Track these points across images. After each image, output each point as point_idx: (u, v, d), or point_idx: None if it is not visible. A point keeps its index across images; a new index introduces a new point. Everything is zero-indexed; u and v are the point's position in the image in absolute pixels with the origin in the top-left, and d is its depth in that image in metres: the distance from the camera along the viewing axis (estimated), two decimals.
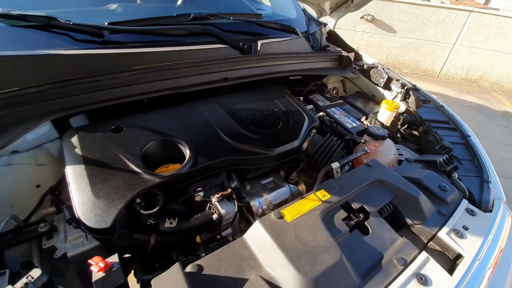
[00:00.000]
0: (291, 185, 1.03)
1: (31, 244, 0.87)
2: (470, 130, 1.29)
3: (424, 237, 0.81)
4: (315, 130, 1.14)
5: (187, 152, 0.90)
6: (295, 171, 1.06)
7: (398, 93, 1.52)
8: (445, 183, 0.95)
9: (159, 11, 1.44)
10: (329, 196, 0.81)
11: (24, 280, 0.52)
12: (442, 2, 5.47)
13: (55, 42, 1.04)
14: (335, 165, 0.95)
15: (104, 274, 0.55)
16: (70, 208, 0.75)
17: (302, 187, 1.09)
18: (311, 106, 1.43)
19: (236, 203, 0.86)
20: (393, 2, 4.96)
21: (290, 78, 1.56)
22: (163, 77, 1.10)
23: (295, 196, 1.02)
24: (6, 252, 0.80)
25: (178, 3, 1.56)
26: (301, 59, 1.50)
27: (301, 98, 1.45)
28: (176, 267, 0.57)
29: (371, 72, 1.65)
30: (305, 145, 1.08)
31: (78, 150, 0.82)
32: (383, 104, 1.39)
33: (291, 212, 0.74)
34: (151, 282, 0.55)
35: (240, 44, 1.33)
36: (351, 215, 0.80)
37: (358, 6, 1.64)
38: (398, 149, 1.23)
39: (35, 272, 0.53)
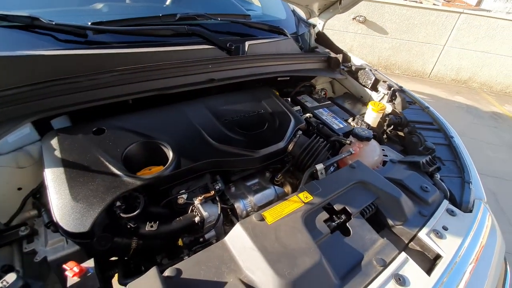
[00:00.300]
0: (276, 187, 1.04)
1: (12, 247, 0.85)
2: (454, 131, 1.31)
3: (405, 237, 0.82)
4: (301, 132, 1.14)
5: (170, 154, 0.89)
6: (280, 172, 1.06)
7: (384, 94, 1.53)
8: (427, 183, 0.96)
9: (146, 11, 1.43)
10: (312, 197, 0.81)
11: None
12: (434, 4, 5.54)
13: (37, 42, 1.03)
14: (320, 166, 0.95)
15: (78, 279, 0.55)
16: (49, 212, 0.74)
17: (287, 188, 1.09)
18: (298, 108, 1.43)
19: (219, 205, 0.86)
20: (385, 4, 5.01)
21: (279, 79, 1.57)
22: (148, 78, 1.09)
23: (280, 197, 1.02)
24: None
25: (166, 3, 1.55)
26: (289, 60, 1.51)
27: (289, 99, 1.45)
28: (153, 271, 0.57)
29: (359, 73, 1.66)
30: (290, 146, 1.09)
31: (57, 153, 0.81)
32: (370, 106, 1.41)
33: (272, 214, 0.74)
34: (127, 287, 0.54)
35: (227, 45, 1.32)
36: (333, 216, 0.81)
37: (346, 8, 1.65)
38: (383, 150, 1.24)
39: (10, 277, 0.52)
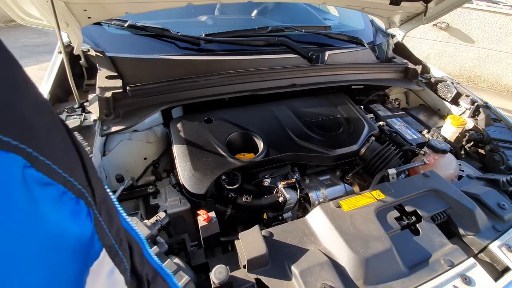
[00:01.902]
0: (346, 185, 1.15)
1: (139, 201, 1.15)
2: None
3: (475, 248, 0.85)
4: (373, 138, 1.23)
5: (261, 145, 1.09)
6: (351, 172, 1.17)
7: (466, 109, 1.49)
8: (505, 201, 0.96)
9: (242, 23, 1.67)
10: (384, 196, 0.91)
11: (154, 218, 0.75)
12: None
13: (163, 47, 1.34)
14: (392, 171, 1.03)
15: (206, 223, 0.76)
16: (176, 176, 0.99)
17: (356, 188, 1.19)
18: (371, 115, 1.50)
19: (298, 191, 1.02)
20: (473, 10, 4.52)
21: (352, 87, 1.65)
22: (244, 81, 1.31)
23: (349, 194, 1.13)
24: (122, 203, 1.09)
25: (253, 14, 1.78)
26: (365, 70, 1.58)
27: (362, 107, 1.53)
28: (256, 228, 0.75)
29: (438, 85, 1.63)
30: (362, 150, 1.18)
31: (182, 134, 1.07)
32: (449, 119, 1.39)
33: (347, 204, 0.87)
34: (239, 235, 0.74)
35: (309, 54, 1.48)
36: (403, 216, 0.89)
37: (431, 19, 1.64)
38: (459, 165, 1.23)
39: (162, 214, 0.76)
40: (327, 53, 1.53)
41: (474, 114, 1.45)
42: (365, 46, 1.68)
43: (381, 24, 1.99)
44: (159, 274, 0.44)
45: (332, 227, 0.79)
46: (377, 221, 0.81)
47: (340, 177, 1.20)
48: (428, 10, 1.58)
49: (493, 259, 0.82)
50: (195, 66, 1.28)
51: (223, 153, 1.01)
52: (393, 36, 1.89)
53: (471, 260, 0.78)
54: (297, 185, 1.03)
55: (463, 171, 1.21)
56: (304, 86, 1.40)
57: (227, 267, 0.64)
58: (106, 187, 0.35)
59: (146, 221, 0.74)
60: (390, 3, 1.46)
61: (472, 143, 1.36)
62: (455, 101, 1.55)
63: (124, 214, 0.38)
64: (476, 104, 1.45)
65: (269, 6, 1.92)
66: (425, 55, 5.12)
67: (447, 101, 1.59)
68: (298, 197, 1.01)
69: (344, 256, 0.73)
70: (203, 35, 1.35)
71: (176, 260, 0.66)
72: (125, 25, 1.32)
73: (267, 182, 1.04)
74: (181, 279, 0.62)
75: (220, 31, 1.38)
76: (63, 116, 1.00)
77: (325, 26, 1.76)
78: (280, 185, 1.01)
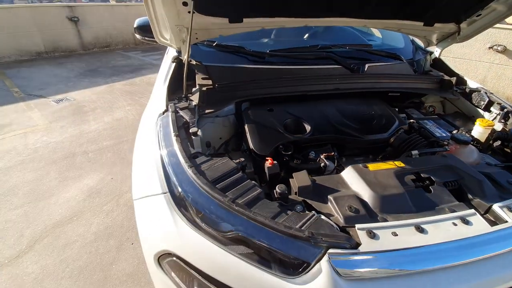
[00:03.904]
0: None
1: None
2: None
3: (481, 209, 1.05)
4: (403, 130, 1.49)
5: (308, 127, 1.45)
6: (381, 154, 1.44)
7: (497, 114, 1.65)
8: None
9: (297, 43, 2.12)
10: (404, 165, 1.18)
11: (237, 160, 1.15)
12: None
13: (239, 59, 1.82)
14: (415, 152, 1.29)
15: (271, 165, 1.14)
16: (246, 144, 1.40)
17: None
18: (403, 115, 1.75)
19: (336, 161, 1.34)
20: None
21: (389, 94, 1.93)
22: (298, 84, 1.71)
23: None
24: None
25: (306, 36, 2.21)
26: (401, 80, 1.86)
27: (396, 109, 1.79)
28: (304, 171, 1.10)
29: (472, 95, 1.82)
30: (392, 139, 1.46)
31: (251, 117, 1.49)
32: (477, 122, 1.57)
33: (373, 166, 1.16)
34: (293, 174, 1.09)
35: (351, 66, 1.83)
36: (418, 180, 1.14)
37: (465, 38, 1.86)
38: (482, 157, 1.41)
39: (242, 159, 1.16)
40: (366, 65, 1.86)
41: (504, 118, 1.61)
42: (402, 61, 1.96)
43: (420, 43, 2.25)
44: None
45: (359, 177, 1.09)
46: (395, 177, 1.09)
47: (371, 160, 1.48)
48: (461, 30, 1.82)
49: (495, 217, 1.01)
50: (261, 72, 1.73)
51: (281, 131, 1.39)
52: (431, 53, 2.14)
53: (472, 211, 0.99)
54: (335, 158, 1.35)
55: (484, 161, 1.38)
56: (346, 90, 1.74)
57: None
58: None
59: (233, 160, 1.15)
60: (424, 25, 1.76)
61: (499, 142, 1.52)
62: (487, 108, 1.72)
63: None
64: (506, 110, 1.61)
65: (320, 29, 2.35)
66: (481, 78, 4.98)
67: (480, 108, 1.76)
68: (336, 166, 1.33)
69: (366, 194, 1.03)
70: (268, 51, 1.82)
71: (253, 182, 1.04)
72: (213, 44, 1.86)
73: (312, 155, 1.39)
74: (255, 190, 0.99)
75: (280, 48, 1.83)
76: (175, 101, 1.51)
77: (366, 44, 2.11)
78: (322, 156, 1.34)
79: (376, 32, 2.71)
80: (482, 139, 1.57)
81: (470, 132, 1.60)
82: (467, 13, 1.65)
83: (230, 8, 1.44)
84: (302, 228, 0.87)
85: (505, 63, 4.70)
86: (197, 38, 1.58)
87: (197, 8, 1.28)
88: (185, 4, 1.29)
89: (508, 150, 1.48)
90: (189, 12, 1.34)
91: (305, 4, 1.43)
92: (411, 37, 2.32)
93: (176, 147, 1.14)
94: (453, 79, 1.87)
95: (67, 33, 8.18)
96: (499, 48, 4.56)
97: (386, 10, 1.57)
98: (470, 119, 1.83)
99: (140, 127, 1.59)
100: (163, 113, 1.42)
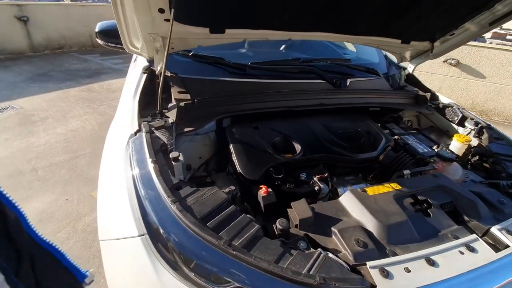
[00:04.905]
0: (368, 184, 1.38)
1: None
2: None
3: (479, 231, 1.04)
4: (390, 147, 1.47)
5: (298, 147, 1.35)
6: (372, 173, 1.40)
7: (471, 129, 1.72)
8: (505, 199, 1.16)
9: (276, 55, 2.04)
10: (400, 187, 1.14)
11: (228, 189, 1.01)
12: None
13: (217, 71, 1.69)
14: (406, 171, 1.27)
15: (266, 194, 1.02)
16: (233, 167, 1.26)
17: None
18: (387, 131, 1.75)
19: (330, 184, 1.26)
20: (483, 48, 4.87)
21: (370, 109, 1.93)
22: (281, 99, 1.62)
23: None
24: None
25: (284, 48, 2.15)
26: (381, 95, 1.87)
27: (379, 125, 1.79)
28: (303, 199, 1.00)
29: (446, 110, 1.89)
30: (381, 157, 1.43)
31: (237, 136, 1.36)
32: (455, 137, 1.62)
33: (371, 190, 1.10)
34: (291, 204, 0.98)
35: (334, 80, 1.79)
36: (416, 203, 1.10)
37: (437, 55, 1.95)
38: (465, 173, 1.44)
39: (232, 187, 1.02)
40: (348, 80, 1.84)
41: (478, 133, 1.68)
42: (380, 76, 1.99)
43: (393, 58, 2.32)
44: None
45: (360, 204, 1.02)
46: (396, 203, 1.04)
47: (362, 179, 1.43)
48: (434, 48, 1.90)
49: (495, 240, 1.00)
50: (243, 86, 1.62)
51: (270, 151, 1.28)
52: (404, 68, 2.21)
53: (474, 236, 0.97)
54: (328, 179, 1.27)
55: (468, 178, 1.41)
56: (330, 105, 1.70)
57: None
58: None
59: (223, 190, 1.00)
60: (402, 42, 1.79)
61: (477, 157, 1.58)
62: (461, 123, 1.79)
63: None
64: (479, 125, 1.69)
65: (297, 42, 2.30)
66: (436, 89, 5.37)
67: (454, 123, 1.83)
68: (330, 188, 1.25)
69: (370, 223, 0.95)
70: (249, 63, 1.71)
71: (248, 215, 0.91)
72: (189, 54, 1.70)
73: (303, 176, 1.29)
74: (252, 227, 0.86)
75: (260, 61, 1.73)
76: (149, 119, 1.32)
77: (346, 59, 2.11)
78: (315, 178, 1.25)
79: (349, 46, 2.76)
80: (460, 154, 1.62)
81: (448, 147, 1.65)
82: (442, 32, 1.71)
83: (211, 17, 1.31)
84: (311, 273, 0.75)
85: (458, 75, 5.18)
86: (173, 48, 1.42)
87: (176, 16, 1.13)
88: (161, 11, 1.13)
89: (487, 165, 1.54)
90: (165, 20, 1.18)
91: (292, 17, 1.36)
92: (384, 52, 2.38)
93: (155, 177, 0.96)
94: (428, 95, 1.94)
95: (15, 34, 7.28)
96: (452, 62, 5.00)
97: (371, 27, 1.56)
98: (445, 133, 1.90)
99: (106, 148, 1.36)
100: (135, 133, 1.22)
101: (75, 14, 8.40)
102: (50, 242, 0.45)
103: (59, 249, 0.45)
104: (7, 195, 0.39)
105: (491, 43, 5.76)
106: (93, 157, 3.26)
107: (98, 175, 1.22)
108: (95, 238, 2.28)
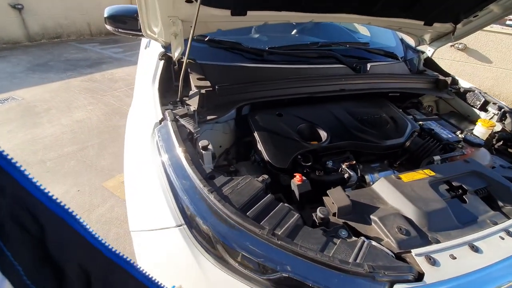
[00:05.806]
0: (395, 170, 1.35)
1: None
2: None
3: None
4: (416, 133, 1.44)
5: (324, 135, 1.32)
6: (399, 160, 1.38)
7: (494, 114, 1.69)
8: None
9: (296, 39, 1.97)
10: (434, 174, 1.11)
11: (260, 178, 0.98)
12: None
13: (235, 57, 1.63)
14: (437, 157, 1.24)
15: (300, 183, 0.99)
16: (259, 155, 1.23)
17: None
18: (410, 116, 1.72)
19: (359, 171, 1.23)
20: (490, 32, 4.76)
21: (389, 94, 1.89)
22: (301, 85, 1.57)
23: None
24: None
25: (295, 32, 2.07)
26: (401, 79, 1.82)
27: (400, 110, 1.75)
28: (339, 187, 0.97)
29: (467, 95, 1.85)
30: (407, 143, 1.39)
31: (261, 124, 1.32)
32: (479, 122, 1.59)
33: (406, 177, 1.07)
34: (327, 191, 0.96)
35: (354, 65, 1.74)
36: (451, 189, 1.08)
37: (459, 37, 1.89)
38: (493, 158, 1.42)
39: (265, 176, 0.99)
40: (369, 65, 1.79)
41: (502, 119, 1.65)
42: (399, 60, 1.93)
43: (410, 41, 2.25)
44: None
45: (397, 191, 0.99)
46: (432, 189, 1.02)
47: (387, 165, 1.40)
48: (456, 30, 1.83)
49: None
50: (262, 72, 1.56)
51: (297, 139, 1.25)
52: (422, 52, 2.15)
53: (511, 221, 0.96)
54: (357, 166, 1.25)
55: (496, 163, 1.39)
56: (351, 91, 1.65)
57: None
58: None
59: (256, 178, 0.97)
60: (424, 24, 1.73)
61: (501, 142, 1.55)
62: (483, 107, 1.76)
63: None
64: (503, 110, 1.65)
65: (308, 26, 2.22)
66: None
67: (476, 108, 1.79)
68: (359, 175, 1.22)
69: (409, 211, 0.93)
70: (267, 48, 1.64)
71: (286, 204, 0.88)
72: (205, 40, 1.63)
73: (329, 164, 1.26)
74: (293, 216, 0.84)
75: (277, 46, 1.67)
76: (171, 107, 1.28)
77: (364, 43, 2.04)
78: (344, 165, 1.23)
79: (362, 29, 2.68)
80: (484, 139, 1.59)
81: (472, 133, 1.62)
82: (466, 13, 1.65)
83: None
84: (357, 261, 0.74)
85: (465, 60, 5.09)
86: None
87: None
88: None
89: (511, 150, 1.52)
90: (187, 1, 1.12)
91: None
92: (400, 35, 2.31)
93: (187, 166, 0.93)
94: (448, 79, 1.89)
95: (10, 23, 7.05)
96: (460, 46, 4.91)
97: (395, 8, 1.49)
98: (466, 118, 1.86)
99: (129, 137, 1.32)
100: (160, 122, 1.18)
101: (72, 2, 8.13)
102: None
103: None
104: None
105: (492, 27, 5.62)
106: (101, 148, 3.23)
107: (123, 163, 1.20)
108: (110, 228, 2.28)
